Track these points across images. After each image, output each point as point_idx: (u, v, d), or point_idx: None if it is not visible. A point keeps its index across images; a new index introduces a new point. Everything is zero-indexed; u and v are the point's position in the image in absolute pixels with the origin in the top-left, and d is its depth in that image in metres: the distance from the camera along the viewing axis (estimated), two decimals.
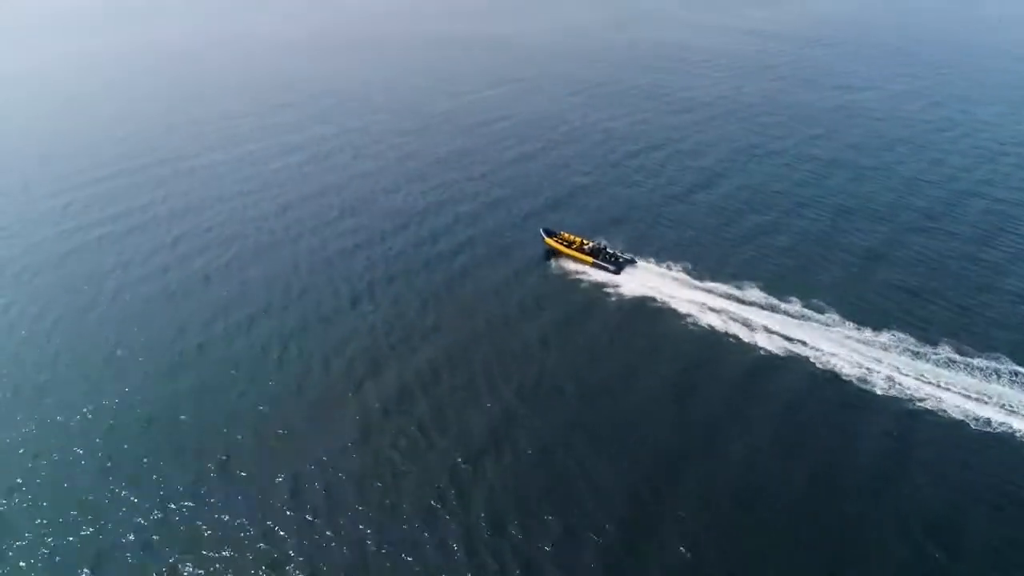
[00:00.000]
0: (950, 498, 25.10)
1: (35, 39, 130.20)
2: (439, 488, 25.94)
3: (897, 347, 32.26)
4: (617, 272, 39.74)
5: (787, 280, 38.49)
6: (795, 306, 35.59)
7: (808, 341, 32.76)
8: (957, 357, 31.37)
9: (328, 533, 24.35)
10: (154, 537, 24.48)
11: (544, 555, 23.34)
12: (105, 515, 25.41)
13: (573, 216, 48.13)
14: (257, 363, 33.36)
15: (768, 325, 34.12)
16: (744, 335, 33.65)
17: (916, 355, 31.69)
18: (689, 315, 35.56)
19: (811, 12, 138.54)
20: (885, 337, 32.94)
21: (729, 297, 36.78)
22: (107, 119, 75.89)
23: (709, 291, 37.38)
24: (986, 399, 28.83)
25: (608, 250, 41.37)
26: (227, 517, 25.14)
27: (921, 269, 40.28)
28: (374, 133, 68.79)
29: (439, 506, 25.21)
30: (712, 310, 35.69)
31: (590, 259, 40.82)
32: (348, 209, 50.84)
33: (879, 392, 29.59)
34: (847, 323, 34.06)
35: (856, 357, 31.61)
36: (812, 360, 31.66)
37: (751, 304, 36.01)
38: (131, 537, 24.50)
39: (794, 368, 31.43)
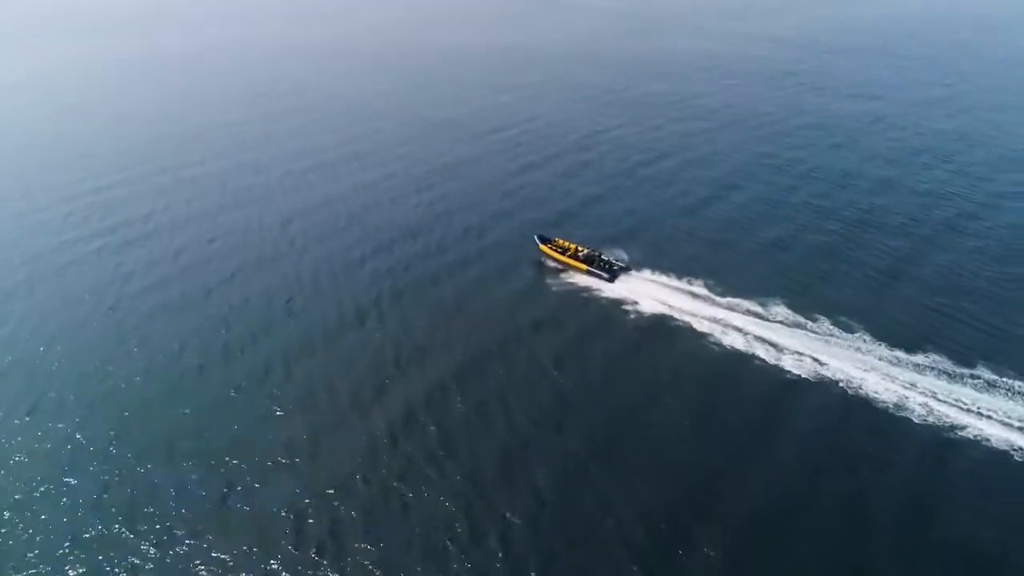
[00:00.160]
0: (992, 535, 23.61)
1: (34, 39, 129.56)
2: (452, 526, 24.38)
3: (933, 369, 30.65)
4: (611, 280, 38.63)
5: (811, 296, 36.96)
6: (823, 325, 34.01)
7: (835, 363, 31.15)
8: (997, 379, 29.81)
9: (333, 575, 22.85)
10: None
11: None
12: (99, 551, 23.93)
13: (583, 228, 46.50)
14: (259, 386, 31.86)
15: (793, 346, 32.52)
16: (769, 355, 32.05)
17: (952, 377, 30.10)
18: (710, 334, 33.98)
19: (827, 18, 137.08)
20: (919, 358, 31.36)
21: (750, 314, 35.23)
22: (108, 126, 74.70)
23: (730, 308, 35.78)
24: None
25: (603, 257, 40.14)
26: (225, 556, 23.64)
27: (950, 285, 38.67)
28: (379, 141, 67.44)
29: (451, 546, 23.65)
30: (735, 328, 34.09)
31: (584, 266, 39.50)
32: (354, 219, 49.43)
33: (916, 420, 27.98)
34: (880, 344, 32.44)
35: (887, 383, 29.93)
36: (842, 383, 30.06)
37: (775, 322, 34.43)
38: None
39: (824, 391, 29.81)
